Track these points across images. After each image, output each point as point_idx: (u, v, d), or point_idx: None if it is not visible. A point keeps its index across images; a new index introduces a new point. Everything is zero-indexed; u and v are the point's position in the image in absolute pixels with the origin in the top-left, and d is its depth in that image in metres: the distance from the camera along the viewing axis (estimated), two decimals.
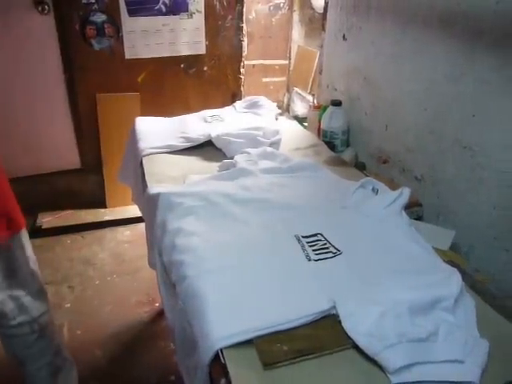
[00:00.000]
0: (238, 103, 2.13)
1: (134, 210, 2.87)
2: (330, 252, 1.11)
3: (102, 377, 1.87)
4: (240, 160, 1.53)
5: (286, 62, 3.26)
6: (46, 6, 2.38)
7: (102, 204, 2.93)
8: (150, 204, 1.35)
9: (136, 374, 1.89)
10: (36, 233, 2.65)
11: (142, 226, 2.81)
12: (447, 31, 1.34)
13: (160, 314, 2.20)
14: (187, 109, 2.78)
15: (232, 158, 1.59)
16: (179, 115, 2.03)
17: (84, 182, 2.88)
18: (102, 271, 2.46)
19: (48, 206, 2.82)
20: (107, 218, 2.86)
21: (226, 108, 2.13)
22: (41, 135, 2.71)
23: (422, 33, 1.44)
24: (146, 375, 1.89)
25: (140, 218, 2.79)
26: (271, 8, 3.07)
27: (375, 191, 1.32)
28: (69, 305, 2.22)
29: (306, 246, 1.13)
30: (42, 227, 2.71)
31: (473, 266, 1.28)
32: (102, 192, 2.90)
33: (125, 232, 2.81)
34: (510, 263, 1.23)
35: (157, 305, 2.24)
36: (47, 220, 2.76)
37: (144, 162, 1.65)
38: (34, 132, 2.69)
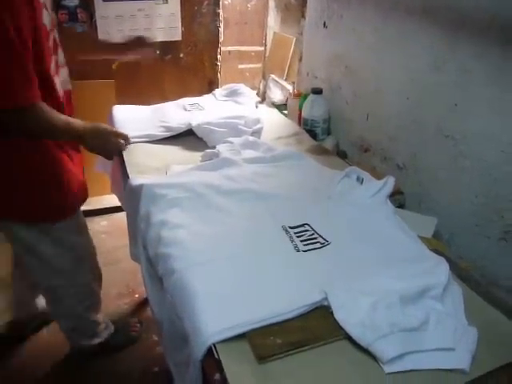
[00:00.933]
0: (217, 91, 2.11)
1: (110, 200, 2.82)
2: (318, 242, 1.11)
3: (83, 370, 1.85)
4: (222, 150, 1.51)
5: (262, 48, 3.23)
6: None
7: None
8: (133, 196, 1.32)
9: (119, 366, 1.87)
10: None
11: (119, 215, 2.77)
12: (430, 20, 1.34)
13: (140, 305, 2.19)
14: (163, 96, 2.73)
15: (214, 147, 1.57)
16: (155, 103, 1.99)
17: None
18: None
19: None
20: (83, 207, 2.79)
21: (206, 96, 2.10)
22: None
23: (404, 21, 1.45)
24: (128, 367, 1.87)
25: (117, 207, 2.75)
26: None
27: (360, 180, 1.32)
28: None
29: (294, 236, 1.13)
30: None
31: (454, 254, 1.30)
32: None
33: (102, 222, 2.76)
34: (491, 250, 1.26)
35: (137, 296, 2.22)
36: None
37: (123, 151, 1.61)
38: None
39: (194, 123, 1.68)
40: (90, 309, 1.77)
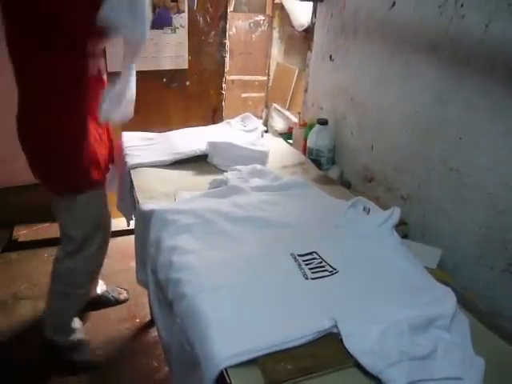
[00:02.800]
0: (233, 120, 2.17)
1: (113, 224, 2.83)
2: (326, 271, 1.13)
3: None
4: (231, 177, 1.54)
5: (265, 78, 3.30)
6: None
7: None
8: (143, 220, 1.34)
9: None
10: (12, 246, 2.58)
11: (120, 240, 2.78)
12: (435, 56, 1.39)
13: (141, 329, 2.18)
14: (168, 123, 2.79)
15: (220, 167, 1.67)
16: (160, 130, 2.03)
17: None
18: None
19: (24, 218, 2.75)
20: None
21: (221, 124, 2.16)
22: (15, 146, 2.65)
23: (409, 57, 1.50)
24: None
25: (119, 232, 2.77)
26: (251, 25, 3.12)
27: (366, 210, 1.35)
28: None
29: (303, 264, 1.14)
30: (19, 240, 2.64)
31: (459, 284, 1.32)
32: None
33: None
34: (496, 281, 1.28)
35: (138, 320, 2.21)
36: (23, 233, 2.69)
37: (132, 174, 1.65)
38: (8, 143, 2.62)
39: (209, 140, 1.76)
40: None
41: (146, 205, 1.36)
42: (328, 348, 0.92)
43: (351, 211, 1.35)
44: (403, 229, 1.54)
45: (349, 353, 0.90)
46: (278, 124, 2.93)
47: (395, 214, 1.28)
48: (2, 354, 1.97)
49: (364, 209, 1.35)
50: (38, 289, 2.34)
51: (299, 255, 1.18)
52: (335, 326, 0.94)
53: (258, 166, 1.63)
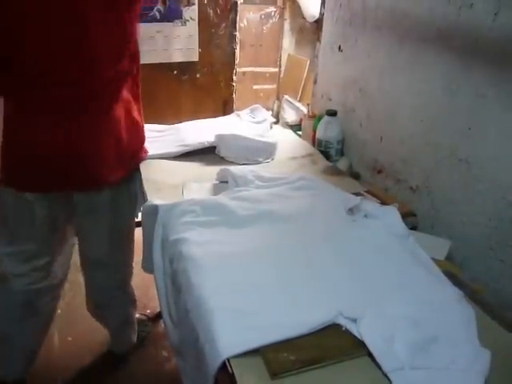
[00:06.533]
0: (242, 112, 2.16)
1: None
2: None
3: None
4: (239, 170, 1.54)
5: (277, 69, 3.28)
6: None
7: None
8: (151, 214, 1.35)
9: (127, 381, 1.88)
10: None
11: None
12: (444, 45, 1.37)
13: (151, 320, 2.19)
14: (179, 115, 2.79)
15: (228, 158, 1.69)
16: (171, 122, 2.04)
17: None
18: None
19: None
20: None
21: (230, 116, 2.15)
22: None
23: (418, 46, 1.47)
24: (137, 383, 1.88)
25: None
26: (262, 16, 3.09)
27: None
28: (59, 311, 2.19)
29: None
30: None
31: (468, 276, 1.30)
32: None
33: None
34: (505, 274, 1.26)
35: (148, 311, 2.23)
36: None
37: (141, 166, 1.65)
38: None
39: (216, 133, 1.76)
40: None
41: (153, 199, 1.36)
42: (332, 339, 0.92)
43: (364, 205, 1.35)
44: (412, 220, 1.52)
45: (352, 344, 0.90)
46: (290, 116, 2.90)
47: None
48: None
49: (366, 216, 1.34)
50: None
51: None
52: (339, 316, 0.94)
53: (265, 161, 1.64)
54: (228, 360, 0.86)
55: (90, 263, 1.68)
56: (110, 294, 1.74)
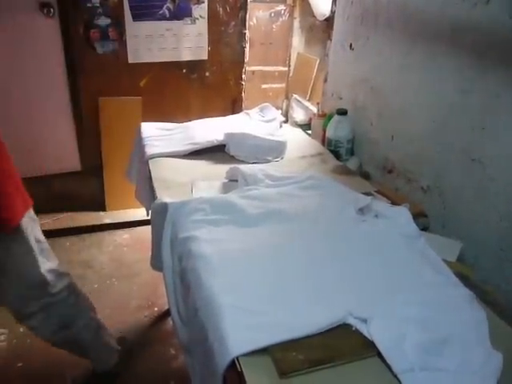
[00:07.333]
0: (252, 111, 2.15)
1: (133, 214, 2.87)
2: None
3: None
4: (248, 168, 1.53)
5: (286, 68, 3.27)
6: (52, 9, 2.38)
7: (102, 207, 2.92)
8: (160, 212, 1.34)
9: (135, 378, 1.88)
10: None
11: (140, 229, 2.81)
12: (458, 43, 1.36)
13: (160, 318, 2.20)
14: (188, 114, 2.80)
15: (238, 157, 1.69)
16: (180, 120, 2.03)
17: (84, 184, 2.87)
18: (101, 274, 2.45)
19: (47, 208, 2.80)
20: (107, 220, 2.86)
21: (239, 114, 2.15)
22: (42, 138, 2.70)
23: (431, 44, 1.46)
24: (145, 380, 1.88)
25: (139, 221, 2.80)
26: (272, 15, 3.09)
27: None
28: None
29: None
30: (41, 229, 2.68)
31: (479, 277, 1.29)
32: (102, 195, 2.89)
33: (124, 235, 2.80)
34: None
35: (156, 309, 2.24)
36: (46, 222, 2.74)
37: (150, 164, 1.65)
38: (35, 134, 2.68)
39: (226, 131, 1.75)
40: None
41: (162, 197, 1.36)
42: (341, 339, 0.91)
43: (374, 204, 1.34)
44: (423, 221, 1.51)
45: (362, 345, 0.90)
46: (299, 115, 2.89)
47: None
48: None
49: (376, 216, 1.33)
50: None
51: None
52: (349, 316, 0.93)
53: (274, 161, 1.64)
54: (237, 358, 0.85)
55: None
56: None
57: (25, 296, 1.49)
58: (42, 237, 1.52)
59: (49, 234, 2.65)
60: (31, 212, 1.47)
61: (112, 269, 2.50)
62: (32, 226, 1.46)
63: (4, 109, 2.52)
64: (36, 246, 1.46)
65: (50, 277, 1.49)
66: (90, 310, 1.73)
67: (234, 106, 3.03)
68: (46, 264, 1.49)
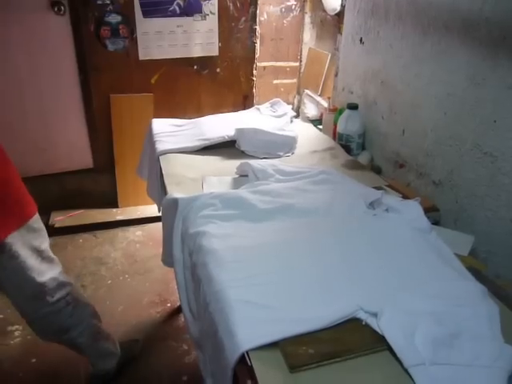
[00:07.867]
0: (262, 106, 2.15)
1: (145, 210, 2.89)
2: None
3: (113, 377, 1.87)
4: (259, 163, 1.53)
5: (297, 64, 3.26)
6: (62, 7, 2.39)
7: (114, 204, 2.94)
8: (171, 207, 1.35)
9: (148, 374, 1.90)
10: (49, 232, 2.65)
11: (153, 226, 2.83)
12: (469, 35, 1.34)
13: (172, 314, 2.21)
14: (199, 110, 2.80)
15: (248, 152, 1.69)
16: (191, 116, 2.04)
17: (96, 181, 2.89)
18: (114, 271, 2.47)
19: (61, 205, 2.83)
20: (119, 217, 2.87)
21: (250, 110, 2.15)
22: (55, 135, 2.72)
23: (442, 37, 1.45)
24: (158, 375, 1.89)
25: (151, 218, 2.82)
26: (283, 10, 3.07)
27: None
28: None
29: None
30: (55, 226, 2.72)
31: (492, 272, 1.28)
32: (114, 192, 2.91)
33: (136, 232, 2.82)
34: None
35: (169, 305, 2.25)
36: (60, 219, 2.77)
37: (161, 160, 1.66)
38: (48, 132, 2.70)
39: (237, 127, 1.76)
40: None
41: (173, 192, 1.37)
42: (351, 334, 0.91)
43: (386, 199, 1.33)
44: (435, 215, 1.50)
45: (372, 339, 0.89)
46: (310, 110, 2.88)
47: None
48: None
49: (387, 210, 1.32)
50: (73, 273, 2.40)
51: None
52: (360, 310, 0.93)
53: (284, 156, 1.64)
54: (247, 353, 0.86)
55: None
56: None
57: (23, 306, 1.50)
58: (43, 245, 1.48)
59: (62, 230, 2.71)
60: (30, 221, 1.41)
61: (125, 265, 2.51)
62: (28, 238, 1.40)
63: (19, 109, 2.55)
64: (33, 258, 1.42)
65: (49, 286, 1.47)
66: (91, 317, 1.70)
67: (245, 101, 3.03)
68: (47, 273, 1.46)
